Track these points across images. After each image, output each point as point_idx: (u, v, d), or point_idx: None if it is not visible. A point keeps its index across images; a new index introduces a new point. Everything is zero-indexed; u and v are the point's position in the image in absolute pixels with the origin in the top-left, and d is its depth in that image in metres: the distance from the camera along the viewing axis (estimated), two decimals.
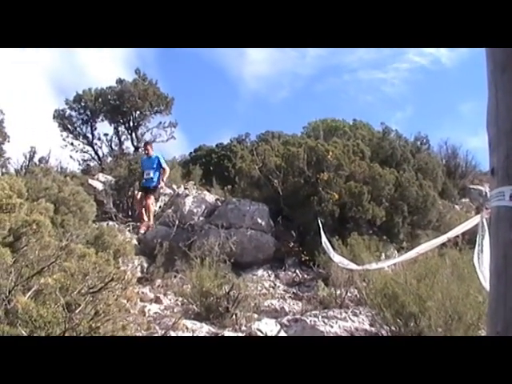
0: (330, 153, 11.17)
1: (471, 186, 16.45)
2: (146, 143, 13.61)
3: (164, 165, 12.57)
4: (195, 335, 6.59)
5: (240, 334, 7.09)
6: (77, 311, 4.59)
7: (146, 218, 12.02)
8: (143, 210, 12.14)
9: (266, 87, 34.79)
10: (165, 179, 12.67)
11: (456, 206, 14.54)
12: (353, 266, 7.60)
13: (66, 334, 4.46)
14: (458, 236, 8.91)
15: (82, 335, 4.50)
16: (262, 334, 6.60)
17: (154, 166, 12.41)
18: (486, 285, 4.27)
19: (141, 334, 6.13)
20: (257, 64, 37.16)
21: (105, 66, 30.27)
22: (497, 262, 2.19)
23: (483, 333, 6.43)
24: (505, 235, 2.14)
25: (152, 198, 12.24)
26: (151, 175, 12.17)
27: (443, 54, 36.41)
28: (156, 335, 6.39)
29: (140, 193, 12.42)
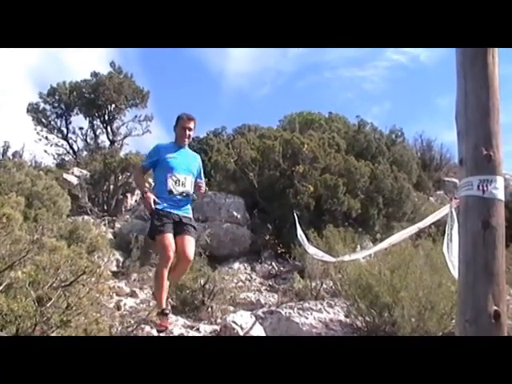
0: (306, 145, 11.21)
1: (446, 179, 16.66)
2: (190, 117, 5.25)
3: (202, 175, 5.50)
4: (171, 329, 6.58)
5: (215, 327, 7.11)
6: (48, 305, 4.56)
7: (164, 305, 4.93)
8: (164, 275, 4.84)
9: (249, 84, 34.84)
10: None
11: (431, 198, 14.71)
12: (327, 257, 7.65)
13: (37, 328, 4.44)
14: (430, 227, 9.06)
15: (53, 328, 4.48)
16: (237, 327, 6.62)
17: (193, 169, 5.22)
18: (455, 273, 4.34)
19: (115, 328, 6.11)
20: (239, 61, 37.17)
21: (84, 60, 29.87)
22: (466, 251, 2.29)
23: None
24: (473, 224, 2.25)
25: (193, 242, 5.08)
26: (187, 187, 5.07)
27: (422, 52, 36.94)
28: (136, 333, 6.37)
29: (165, 232, 4.85)
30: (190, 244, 4.97)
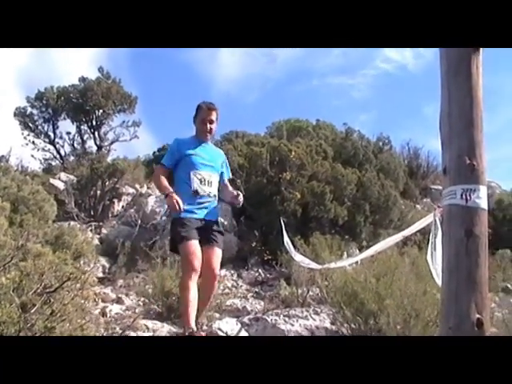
0: (293, 153, 11.25)
1: (432, 187, 16.81)
2: (211, 107, 4.62)
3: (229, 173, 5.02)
4: (156, 335, 6.56)
5: (201, 334, 7.08)
6: (32, 311, 4.54)
7: (192, 324, 4.12)
8: (190, 288, 4.17)
9: (237, 90, 34.96)
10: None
11: (417, 206, 14.85)
12: (313, 265, 7.69)
13: (21, 334, 4.41)
14: (416, 234, 9.14)
15: (37, 335, 4.46)
16: (222, 334, 6.61)
17: (218, 166, 4.73)
18: (439, 281, 4.39)
19: (99, 335, 6.07)
20: (228, 67, 37.33)
21: (72, 65, 29.81)
22: (449, 259, 2.32)
23: None
24: (456, 233, 2.29)
25: (220, 254, 4.49)
26: (213, 187, 4.57)
27: (409, 60, 37.34)
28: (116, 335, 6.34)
29: (190, 238, 4.26)
30: (216, 257, 4.31)
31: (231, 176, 4.80)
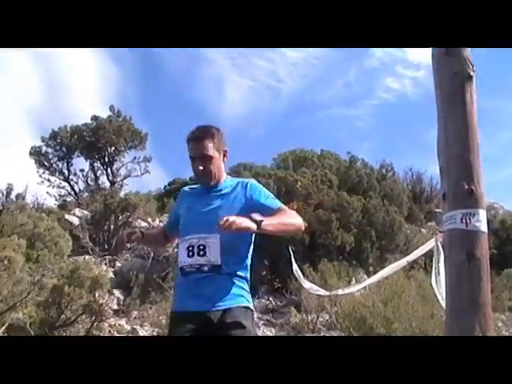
0: (299, 183, 11.55)
1: (437, 210, 16.81)
2: (198, 134, 2.77)
3: (277, 205, 2.78)
4: None
5: None
6: None
7: None
8: None
9: (243, 124, 35.56)
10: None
11: (422, 230, 14.89)
12: (322, 291, 7.85)
13: None
14: (421, 258, 9.30)
15: None
16: None
17: (235, 213, 2.56)
18: (444, 305, 4.55)
19: None
20: (234, 103, 38.02)
21: (84, 104, 30.50)
22: (451, 282, 2.36)
23: None
24: (458, 256, 2.31)
25: None
26: (213, 255, 2.64)
27: (408, 89, 37.91)
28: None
29: None
30: None
31: (279, 204, 2.75)
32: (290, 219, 2.67)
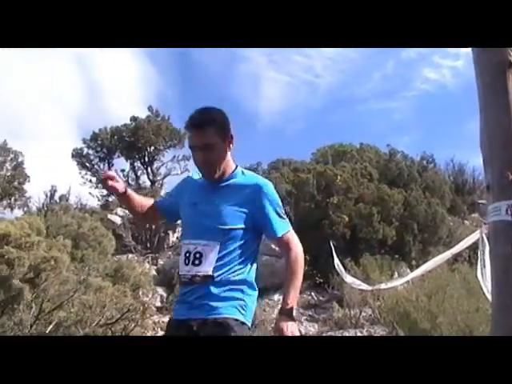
0: (339, 177, 11.48)
1: (480, 201, 16.45)
2: (195, 122, 2.32)
3: (283, 231, 2.37)
4: None
5: None
6: None
7: None
8: None
9: (281, 120, 35.46)
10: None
11: (466, 222, 14.60)
12: (364, 286, 7.81)
13: None
14: (466, 250, 9.13)
15: None
16: None
17: (231, 225, 2.34)
18: (491, 298, 4.44)
19: None
20: (272, 100, 37.99)
21: (123, 105, 31.04)
22: (497, 275, 2.26)
23: None
24: (503, 249, 2.21)
25: None
26: (207, 264, 2.33)
27: (448, 79, 36.96)
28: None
29: None
30: None
31: (284, 230, 2.37)
32: (299, 273, 2.33)
